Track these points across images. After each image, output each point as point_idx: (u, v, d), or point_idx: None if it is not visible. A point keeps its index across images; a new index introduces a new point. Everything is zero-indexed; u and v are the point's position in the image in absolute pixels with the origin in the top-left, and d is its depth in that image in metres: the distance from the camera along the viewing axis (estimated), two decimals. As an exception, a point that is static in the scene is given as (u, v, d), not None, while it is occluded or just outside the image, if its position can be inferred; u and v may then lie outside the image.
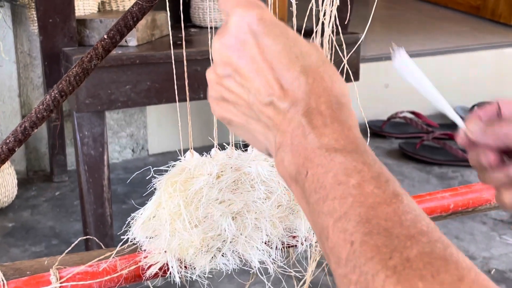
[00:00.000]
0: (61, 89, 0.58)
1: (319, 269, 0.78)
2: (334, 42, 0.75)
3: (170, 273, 0.66)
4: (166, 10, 0.69)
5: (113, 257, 0.65)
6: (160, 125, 2.44)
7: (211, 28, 0.71)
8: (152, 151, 2.46)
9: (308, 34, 0.69)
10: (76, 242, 0.68)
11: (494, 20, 3.45)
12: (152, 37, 1.64)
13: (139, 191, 2.05)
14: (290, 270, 0.73)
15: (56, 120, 2.07)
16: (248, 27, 0.45)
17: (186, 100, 0.73)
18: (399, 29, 3.25)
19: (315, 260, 0.77)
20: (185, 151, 0.71)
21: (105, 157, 1.50)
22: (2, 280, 0.60)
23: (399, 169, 2.31)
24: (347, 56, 0.75)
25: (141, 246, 0.67)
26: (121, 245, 0.67)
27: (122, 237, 0.67)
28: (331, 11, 0.72)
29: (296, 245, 0.71)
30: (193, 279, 0.66)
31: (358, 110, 0.56)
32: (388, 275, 0.35)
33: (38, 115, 0.58)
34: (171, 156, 0.70)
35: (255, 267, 0.67)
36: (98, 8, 1.87)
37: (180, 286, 0.67)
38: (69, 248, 0.64)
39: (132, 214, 0.68)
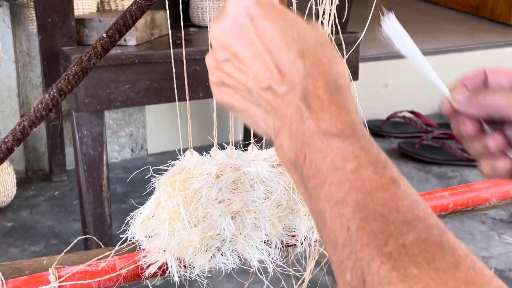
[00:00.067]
0: (60, 88, 0.57)
1: (317, 268, 0.78)
2: (333, 42, 0.75)
3: (169, 273, 0.66)
4: (165, 10, 0.69)
5: (112, 257, 0.64)
6: (159, 124, 2.44)
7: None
8: (151, 151, 2.46)
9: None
10: (75, 241, 0.67)
11: (493, 20, 3.45)
12: (151, 36, 1.64)
13: (138, 190, 2.05)
14: (289, 269, 0.73)
15: (55, 119, 2.07)
16: (245, 10, 0.44)
17: (185, 100, 0.73)
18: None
19: (314, 259, 0.77)
20: (184, 150, 0.71)
21: (104, 156, 1.50)
22: (1, 280, 0.60)
23: (399, 169, 2.30)
24: (346, 55, 0.75)
25: (140, 245, 0.67)
26: (120, 245, 0.67)
27: (121, 236, 0.67)
28: (330, 10, 0.72)
29: (295, 245, 0.71)
30: (192, 279, 0.66)
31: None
32: (383, 262, 0.35)
33: (37, 114, 0.58)
34: (170, 156, 0.70)
35: (254, 266, 0.67)
36: (97, 8, 1.87)
37: (179, 285, 0.67)
38: (68, 248, 0.64)
39: (131, 214, 0.68)
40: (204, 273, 0.66)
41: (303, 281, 0.78)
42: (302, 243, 0.71)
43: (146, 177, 0.69)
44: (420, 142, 2.42)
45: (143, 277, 0.65)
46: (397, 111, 2.64)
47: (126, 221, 0.68)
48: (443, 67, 2.85)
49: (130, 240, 0.67)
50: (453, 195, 0.82)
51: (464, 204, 0.82)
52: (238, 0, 0.45)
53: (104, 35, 0.58)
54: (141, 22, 1.57)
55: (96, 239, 0.81)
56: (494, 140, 0.51)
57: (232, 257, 0.67)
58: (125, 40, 1.53)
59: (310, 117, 0.42)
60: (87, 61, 0.58)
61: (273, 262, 0.69)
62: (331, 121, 0.41)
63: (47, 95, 0.58)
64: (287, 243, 0.70)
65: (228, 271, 0.67)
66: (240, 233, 0.67)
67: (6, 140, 0.59)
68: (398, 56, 2.88)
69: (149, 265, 0.65)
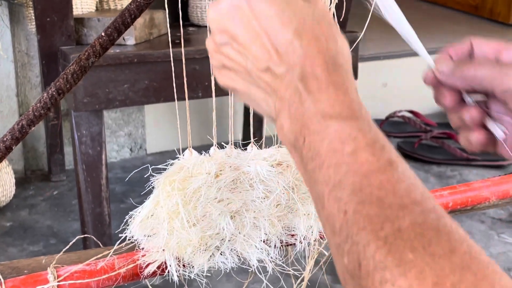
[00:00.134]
0: (58, 87, 0.57)
1: (317, 267, 0.78)
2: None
3: (168, 272, 0.65)
4: (164, 9, 0.69)
5: (111, 256, 0.64)
6: (158, 124, 2.44)
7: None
8: (150, 150, 2.46)
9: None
10: (73, 240, 0.67)
11: (492, 19, 3.45)
12: (150, 36, 1.64)
13: (137, 190, 2.05)
14: (288, 268, 0.73)
15: (54, 119, 2.07)
16: None
17: (184, 99, 0.72)
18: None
19: (313, 258, 0.77)
20: (183, 150, 0.71)
21: (103, 156, 1.50)
22: (0, 279, 0.60)
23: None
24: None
25: (139, 244, 0.67)
26: (119, 244, 0.66)
27: (120, 235, 0.67)
28: (329, 9, 0.72)
29: (294, 244, 0.71)
30: (191, 278, 0.66)
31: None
32: (379, 246, 0.34)
33: (36, 113, 0.58)
34: (169, 155, 0.70)
35: (253, 265, 0.67)
36: (96, 7, 1.87)
37: (178, 285, 0.67)
38: (67, 247, 0.64)
39: (130, 213, 0.68)
40: (203, 273, 0.66)
41: (302, 280, 0.78)
42: (301, 242, 0.71)
43: (145, 176, 0.69)
44: (419, 142, 2.42)
45: (142, 276, 0.65)
46: (396, 110, 2.64)
47: (125, 220, 0.68)
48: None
49: (129, 240, 0.67)
50: (453, 194, 0.82)
51: (463, 203, 0.82)
52: None
53: (103, 34, 0.58)
54: (140, 21, 1.56)
55: (95, 239, 0.81)
56: (469, 113, 0.51)
57: (231, 256, 0.67)
58: (124, 39, 1.53)
59: (308, 98, 0.41)
60: (85, 60, 0.57)
61: (272, 261, 0.68)
62: (328, 102, 0.41)
63: (45, 94, 0.58)
64: (286, 242, 0.70)
65: (227, 271, 0.67)
66: (239, 233, 0.67)
67: (5, 139, 0.59)
68: (397, 55, 2.88)
69: (148, 265, 0.65)
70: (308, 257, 0.76)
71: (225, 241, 0.66)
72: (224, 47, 0.46)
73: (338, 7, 0.75)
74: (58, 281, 0.61)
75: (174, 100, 0.72)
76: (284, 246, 0.70)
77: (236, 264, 0.67)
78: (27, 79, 2.19)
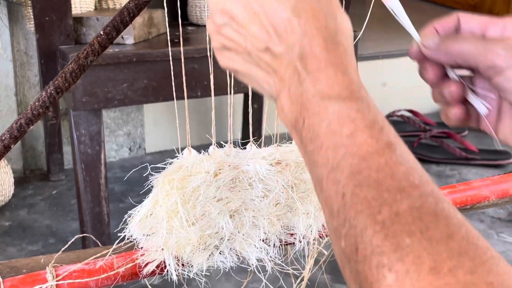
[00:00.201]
0: (57, 86, 0.57)
1: (316, 266, 0.78)
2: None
3: (167, 271, 0.65)
4: (163, 8, 0.69)
5: (109, 255, 0.64)
6: (157, 123, 2.44)
7: (208, 25, 0.71)
8: (149, 150, 2.46)
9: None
10: (72, 240, 0.67)
11: (491, 19, 3.45)
12: (149, 35, 1.64)
13: (136, 189, 2.04)
14: (287, 267, 0.73)
15: (53, 118, 2.07)
16: None
17: (183, 98, 0.72)
18: (396, 27, 3.25)
19: (313, 257, 0.76)
20: (182, 149, 0.71)
21: (102, 155, 1.50)
22: (-2, 279, 0.60)
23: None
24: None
25: (138, 244, 0.67)
26: (118, 243, 0.66)
27: (119, 235, 0.67)
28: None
29: (293, 243, 0.71)
30: (191, 277, 0.66)
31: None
32: (376, 231, 0.34)
33: (34, 111, 0.58)
34: (168, 155, 0.70)
35: (252, 264, 0.67)
36: (95, 6, 1.87)
37: (177, 284, 0.67)
38: (66, 246, 0.64)
39: (129, 212, 0.68)
40: (202, 272, 0.66)
41: (302, 280, 0.78)
42: (300, 242, 0.71)
43: (144, 175, 0.68)
44: (419, 141, 2.42)
45: (141, 275, 0.65)
46: (395, 110, 2.64)
47: (124, 220, 0.68)
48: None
49: (128, 239, 0.67)
50: (452, 193, 0.82)
51: (463, 202, 0.82)
52: None
53: (102, 32, 0.58)
54: (139, 20, 1.56)
55: (94, 238, 0.80)
56: (448, 89, 0.50)
57: (230, 255, 0.67)
58: (123, 38, 1.53)
59: (307, 78, 0.41)
60: (84, 59, 0.57)
61: (272, 260, 0.68)
62: (327, 82, 0.40)
63: (44, 93, 0.58)
64: (286, 242, 0.70)
65: (227, 270, 0.67)
66: (239, 232, 0.67)
67: (3, 137, 0.58)
68: (396, 55, 2.88)
69: (147, 264, 0.65)
70: (308, 257, 0.76)
71: (224, 240, 0.66)
72: (223, 27, 0.45)
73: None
74: (57, 281, 0.60)
75: (173, 100, 0.72)
76: (283, 245, 0.70)
77: (235, 263, 0.67)
78: (26, 78, 2.18)
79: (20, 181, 2.16)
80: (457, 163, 2.35)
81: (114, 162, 2.35)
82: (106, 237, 1.53)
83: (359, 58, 1.85)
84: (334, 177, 0.37)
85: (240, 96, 2.40)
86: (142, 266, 0.65)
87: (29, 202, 2.03)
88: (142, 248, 0.66)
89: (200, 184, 0.66)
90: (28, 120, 0.58)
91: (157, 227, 0.66)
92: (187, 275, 0.66)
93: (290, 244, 0.71)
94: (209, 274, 0.67)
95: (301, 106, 0.41)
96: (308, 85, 0.41)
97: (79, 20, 1.56)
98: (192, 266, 0.66)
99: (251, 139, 0.74)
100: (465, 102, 0.52)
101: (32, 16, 1.77)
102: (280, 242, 0.69)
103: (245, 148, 0.73)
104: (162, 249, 0.65)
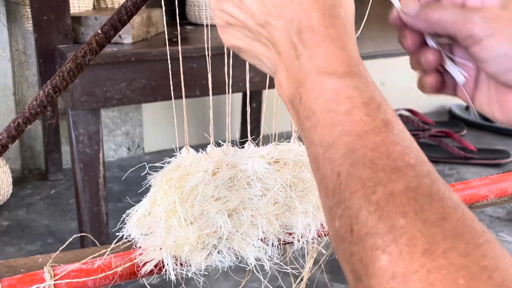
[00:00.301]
0: (54, 85, 0.57)
1: (316, 266, 0.78)
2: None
3: (165, 271, 0.65)
4: (161, 8, 0.69)
5: (107, 255, 0.64)
6: (155, 123, 2.44)
7: (206, 25, 0.71)
8: (148, 149, 2.45)
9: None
10: (70, 239, 0.67)
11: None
12: (148, 34, 1.64)
13: (134, 189, 2.04)
14: (286, 267, 0.72)
15: (51, 118, 2.07)
16: None
17: (182, 98, 0.72)
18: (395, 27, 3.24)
19: (312, 257, 0.76)
20: (181, 148, 0.70)
21: (101, 155, 1.50)
22: (-4, 278, 0.60)
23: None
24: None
25: (136, 243, 0.67)
26: (116, 242, 0.66)
27: (117, 234, 0.67)
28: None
29: (292, 242, 0.71)
30: (189, 277, 0.66)
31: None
32: (370, 212, 0.33)
33: (32, 111, 0.58)
34: (167, 154, 0.69)
35: (251, 264, 0.67)
36: (93, 5, 1.87)
37: (175, 283, 0.67)
38: (64, 246, 0.64)
39: (128, 211, 0.68)
40: (201, 271, 0.66)
41: (301, 279, 0.77)
42: (299, 241, 0.71)
43: (142, 175, 0.68)
44: (417, 140, 2.43)
45: (139, 275, 0.65)
46: (394, 109, 2.64)
47: (122, 219, 0.68)
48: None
49: (126, 238, 0.67)
50: (451, 193, 0.82)
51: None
52: None
53: (99, 31, 0.58)
54: (137, 20, 1.56)
55: (92, 238, 0.80)
56: (424, 57, 0.49)
57: (228, 255, 0.67)
58: (121, 37, 1.53)
59: (304, 52, 0.40)
60: (82, 58, 0.57)
61: (270, 260, 0.68)
62: (324, 58, 0.40)
63: (41, 92, 0.58)
64: (284, 241, 0.70)
65: (225, 269, 0.67)
66: (237, 231, 0.67)
67: (1, 137, 0.58)
68: (395, 54, 2.88)
69: (145, 263, 0.65)
70: (307, 256, 0.76)
71: (223, 239, 0.66)
72: (224, 4, 0.46)
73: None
74: (55, 280, 0.60)
75: (171, 99, 0.72)
76: (282, 245, 0.70)
77: (233, 263, 0.67)
78: (24, 78, 2.18)
79: (19, 181, 2.15)
80: (456, 162, 2.36)
81: (112, 162, 2.35)
82: (104, 237, 1.53)
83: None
84: (329, 156, 0.37)
85: (239, 95, 2.40)
86: (140, 266, 0.65)
87: (27, 202, 2.03)
88: (140, 247, 0.66)
89: (198, 183, 0.66)
90: (26, 119, 0.58)
91: (155, 227, 0.66)
92: (186, 274, 0.66)
93: (288, 243, 0.71)
94: (207, 273, 0.67)
95: (298, 82, 0.40)
96: (305, 60, 0.40)
97: (77, 20, 1.56)
98: (190, 265, 0.65)
99: (249, 138, 0.74)
100: (442, 71, 0.51)
101: (30, 16, 1.76)
102: (278, 241, 0.69)
103: (243, 147, 0.73)
104: (160, 248, 0.65)
